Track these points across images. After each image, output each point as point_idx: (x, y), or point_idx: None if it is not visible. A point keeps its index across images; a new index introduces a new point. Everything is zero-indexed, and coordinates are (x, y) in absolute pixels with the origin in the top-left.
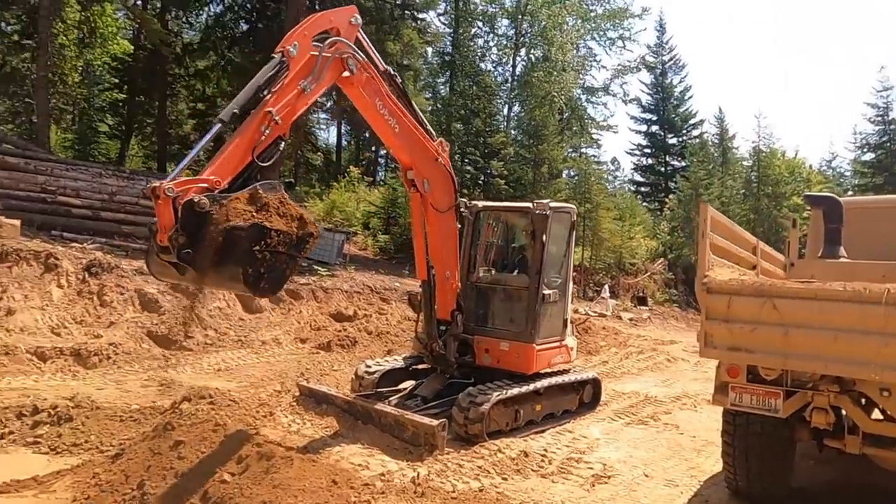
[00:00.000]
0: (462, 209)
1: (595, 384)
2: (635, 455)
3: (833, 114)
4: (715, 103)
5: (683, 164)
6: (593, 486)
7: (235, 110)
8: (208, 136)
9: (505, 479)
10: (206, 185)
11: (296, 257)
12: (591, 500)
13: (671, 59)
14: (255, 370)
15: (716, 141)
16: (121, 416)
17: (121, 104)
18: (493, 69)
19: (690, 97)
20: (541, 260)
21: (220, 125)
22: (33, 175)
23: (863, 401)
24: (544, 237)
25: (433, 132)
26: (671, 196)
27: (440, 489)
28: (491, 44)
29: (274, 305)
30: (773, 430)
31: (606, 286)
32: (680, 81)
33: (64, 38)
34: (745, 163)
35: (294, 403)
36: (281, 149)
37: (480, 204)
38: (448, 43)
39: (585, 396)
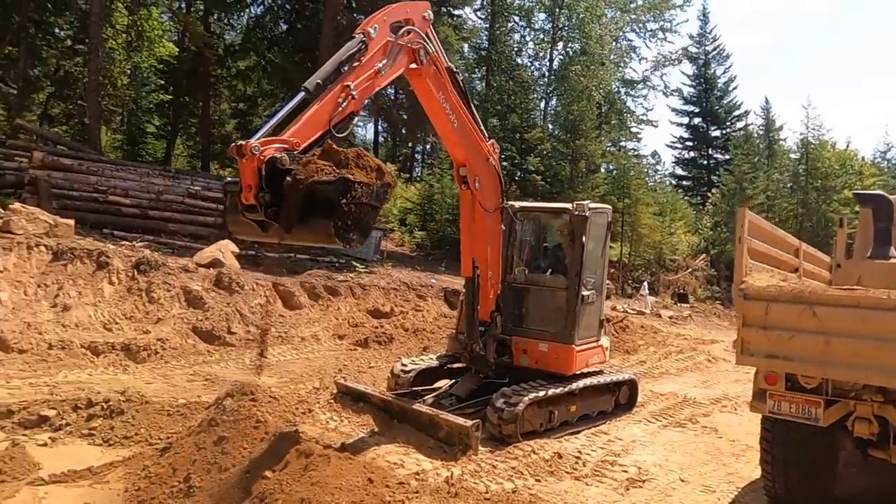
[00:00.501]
0: None
1: (631, 385)
2: (672, 459)
3: (889, 102)
4: (761, 93)
5: (727, 157)
6: (628, 489)
7: (319, 81)
8: (293, 103)
9: (538, 480)
10: (286, 145)
11: (378, 207)
12: None
13: (714, 49)
14: (294, 366)
15: (761, 133)
16: (168, 410)
17: (166, 105)
18: (529, 64)
19: (735, 88)
20: (580, 261)
21: (304, 94)
22: (86, 175)
23: None
24: (584, 238)
25: (485, 133)
26: (714, 190)
27: (473, 490)
28: (527, 38)
29: (313, 302)
30: (814, 439)
31: (646, 283)
32: (724, 72)
33: (113, 42)
34: (792, 155)
35: (332, 401)
36: (353, 122)
37: (517, 204)
38: (484, 38)
39: (622, 397)
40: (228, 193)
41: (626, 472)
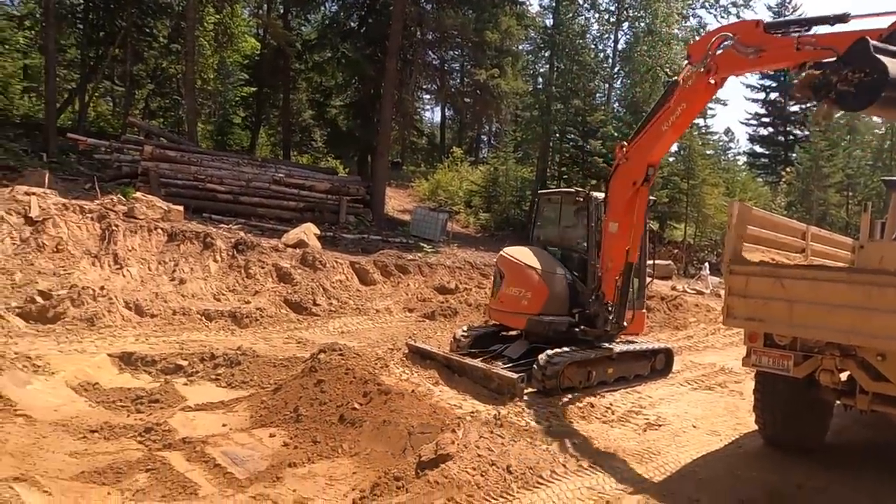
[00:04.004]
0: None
1: (667, 353)
2: (690, 412)
3: None
4: None
5: (806, 133)
6: (644, 431)
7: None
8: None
9: (571, 422)
10: None
11: None
12: (639, 441)
13: None
14: (371, 333)
15: None
16: (273, 362)
17: (250, 98)
18: (593, 46)
19: None
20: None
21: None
22: (187, 166)
23: (864, 364)
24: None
25: None
26: (789, 168)
27: (515, 423)
28: (592, 20)
29: (385, 279)
30: (796, 389)
31: (707, 264)
32: None
33: (203, 40)
34: (876, 130)
35: (404, 359)
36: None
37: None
38: (549, 22)
39: (657, 364)
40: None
41: (647, 419)
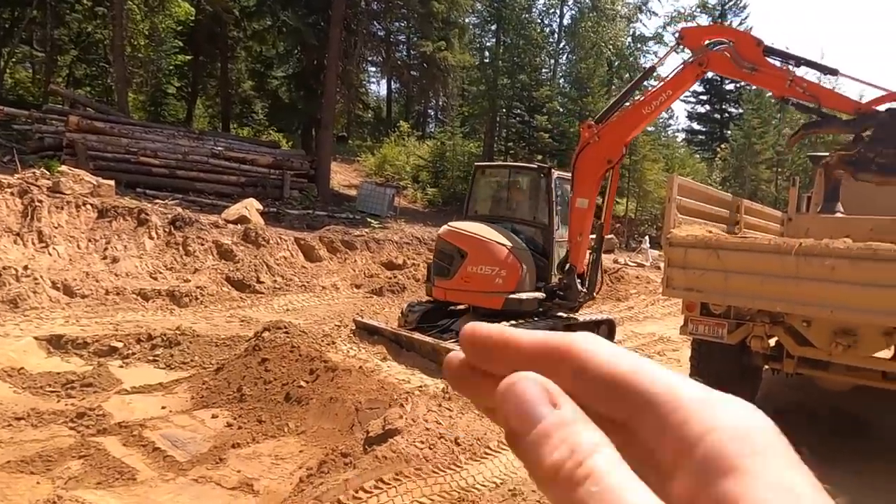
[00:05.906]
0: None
1: (609, 324)
2: None
3: None
4: (783, 42)
5: (741, 111)
6: None
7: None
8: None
9: None
10: None
11: None
12: None
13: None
14: (317, 310)
15: None
16: (215, 342)
17: (186, 67)
18: (539, 21)
19: None
20: None
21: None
22: (118, 138)
23: (791, 330)
24: None
25: None
26: (724, 145)
27: (463, 397)
28: None
29: (332, 255)
30: (729, 356)
31: (647, 237)
32: (741, 22)
33: (131, 3)
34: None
35: (351, 335)
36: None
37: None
38: None
39: (600, 334)
40: None
41: None
